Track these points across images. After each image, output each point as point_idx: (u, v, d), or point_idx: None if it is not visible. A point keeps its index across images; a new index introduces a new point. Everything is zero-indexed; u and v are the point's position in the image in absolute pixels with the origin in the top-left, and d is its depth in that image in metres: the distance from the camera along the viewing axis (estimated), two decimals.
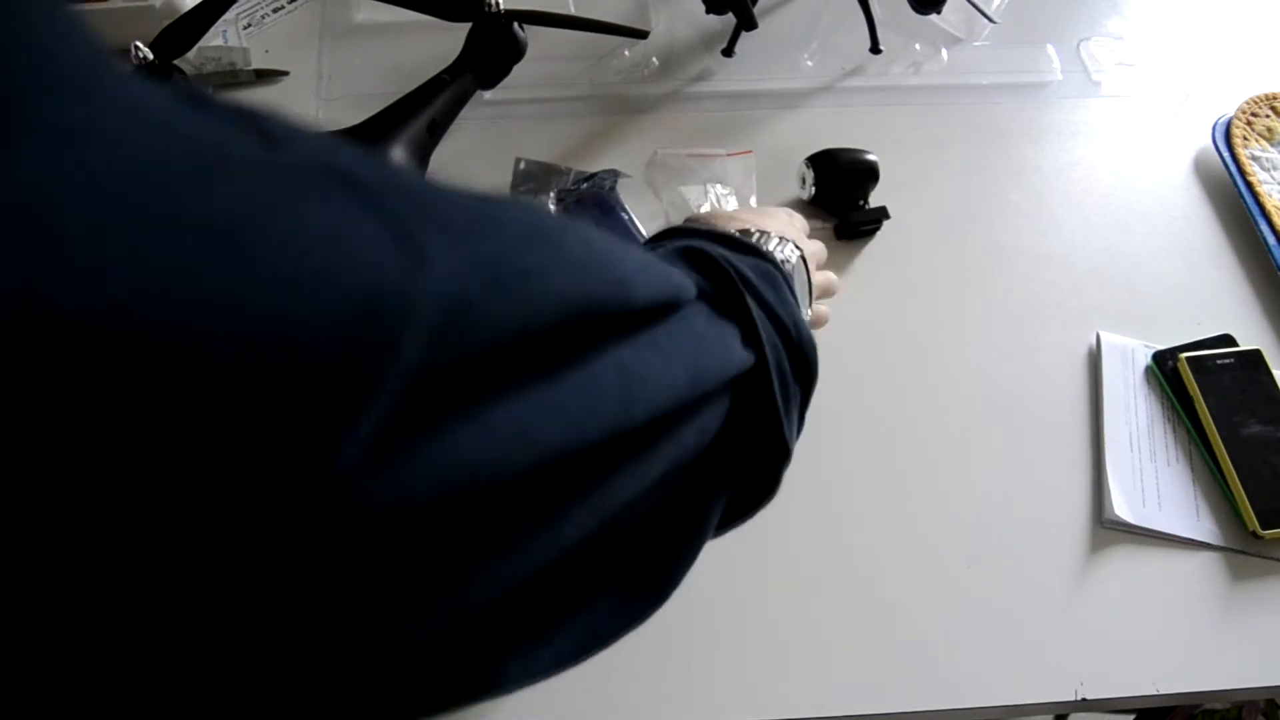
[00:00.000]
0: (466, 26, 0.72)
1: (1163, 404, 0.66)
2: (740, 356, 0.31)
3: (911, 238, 0.74)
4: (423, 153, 0.68)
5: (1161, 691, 0.56)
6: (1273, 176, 0.77)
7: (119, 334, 0.13)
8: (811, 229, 0.74)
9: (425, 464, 0.18)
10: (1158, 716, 0.84)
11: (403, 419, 0.17)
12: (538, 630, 0.24)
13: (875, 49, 0.83)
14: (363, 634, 0.18)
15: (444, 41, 0.73)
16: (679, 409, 0.26)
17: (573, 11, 0.81)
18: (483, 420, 0.19)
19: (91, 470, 0.14)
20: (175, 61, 0.70)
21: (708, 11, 0.80)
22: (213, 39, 0.76)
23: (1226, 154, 0.78)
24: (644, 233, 0.70)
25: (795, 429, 0.35)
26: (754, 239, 0.45)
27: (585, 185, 0.72)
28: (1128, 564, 0.60)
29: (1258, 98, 0.82)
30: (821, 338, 0.69)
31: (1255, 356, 0.67)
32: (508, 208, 0.22)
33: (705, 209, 0.71)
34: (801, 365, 0.36)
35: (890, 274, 0.72)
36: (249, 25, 0.82)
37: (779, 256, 0.44)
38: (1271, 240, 0.73)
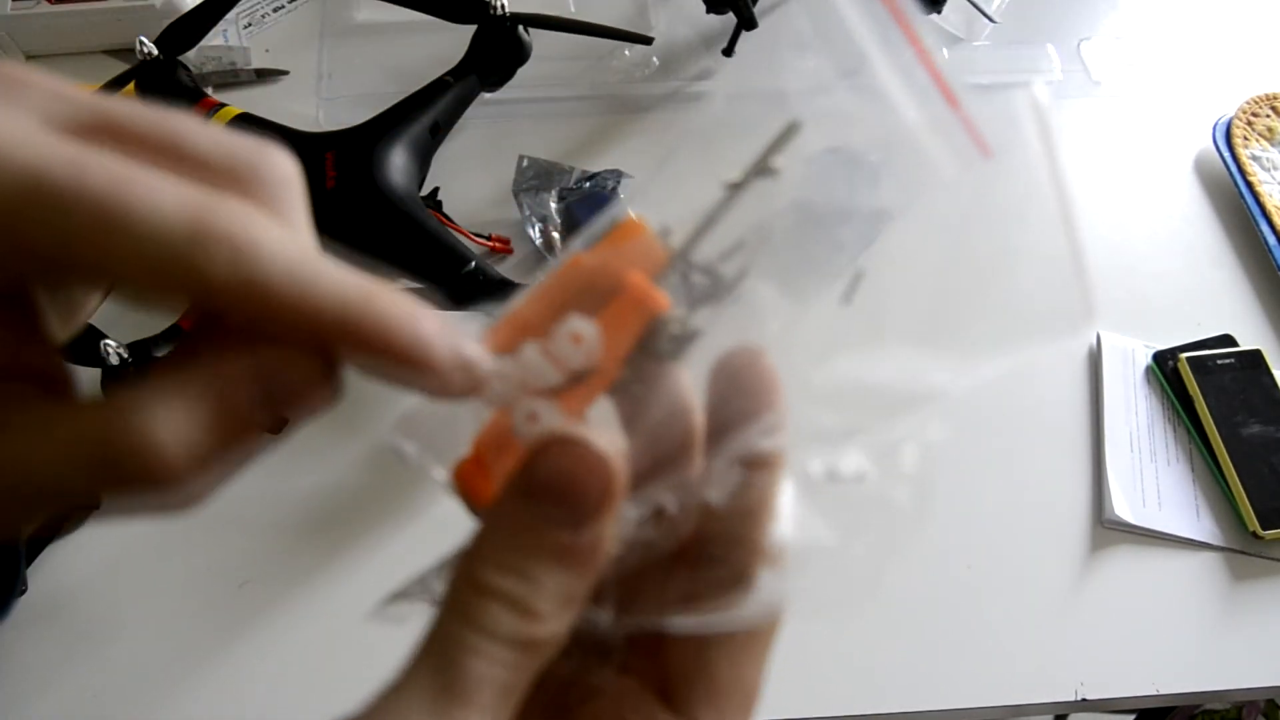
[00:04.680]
0: (469, 27, 0.73)
1: (1163, 404, 0.67)
2: None
3: (911, 238, 0.74)
4: (425, 154, 0.68)
5: (1161, 692, 0.56)
6: (1273, 176, 0.77)
7: None
8: None
9: None
10: (1158, 716, 0.84)
11: None
12: None
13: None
14: None
15: (445, 42, 0.73)
16: None
17: (574, 13, 0.81)
18: None
19: None
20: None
21: (708, 11, 0.80)
22: (213, 38, 0.76)
23: (1226, 154, 0.78)
24: None
25: None
26: None
27: (588, 184, 0.72)
28: (1128, 564, 0.60)
29: (1258, 98, 0.82)
30: (821, 338, 0.69)
31: (1255, 356, 0.67)
32: None
33: None
34: None
35: (890, 274, 0.72)
36: (249, 24, 0.82)
37: None
38: (1271, 240, 0.73)
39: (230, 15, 0.73)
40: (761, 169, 0.21)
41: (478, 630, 0.16)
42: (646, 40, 0.79)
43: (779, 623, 0.20)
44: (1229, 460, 0.62)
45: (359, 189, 0.62)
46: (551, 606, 0.17)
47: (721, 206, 0.21)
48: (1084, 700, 0.55)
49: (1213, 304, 0.73)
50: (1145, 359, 0.68)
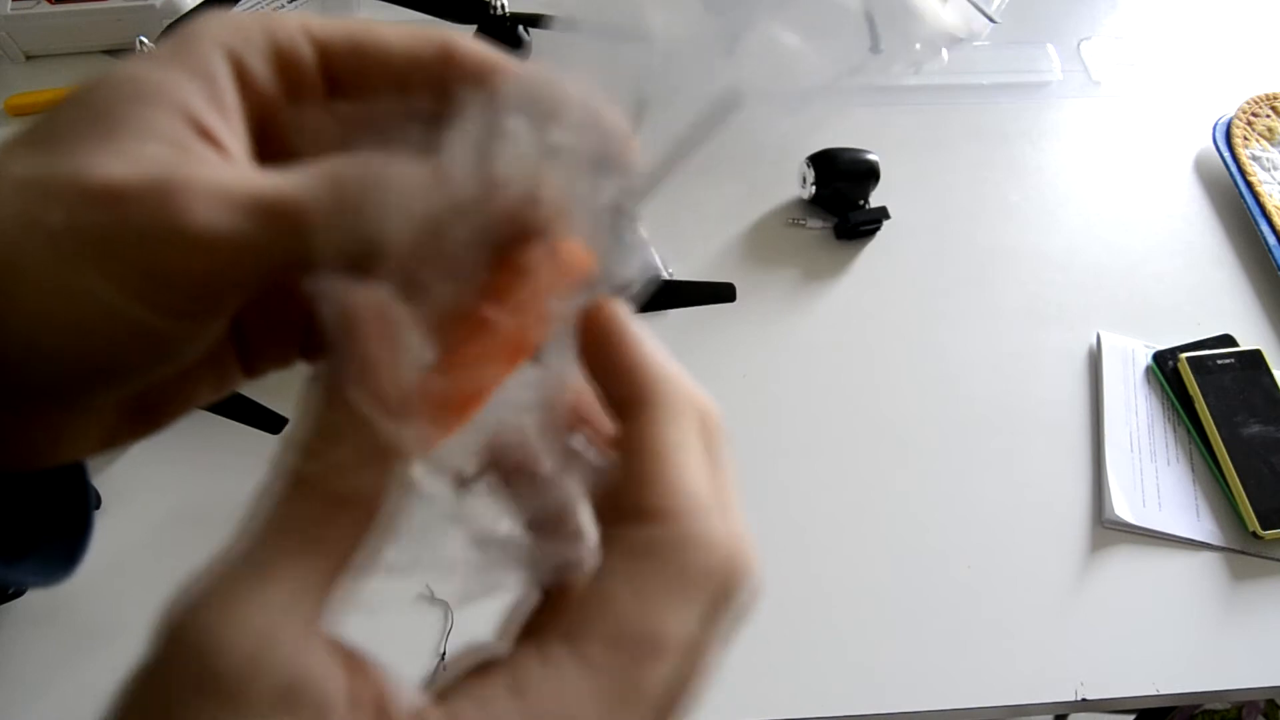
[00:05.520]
0: (469, 27, 0.73)
1: (1163, 404, 0.67)
2: None
3: (911, 238, 0.74)
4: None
5: (1161, 691, 0.56)
6: (1273, 176, 0.77)
7: None
8: (811, 229, 0.74)
9: None
10: (1158, 716, 0.84)
11: None
12: None
13: (875, 48, 0.83)
14: None
15: None
16: None
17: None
18: None
19: None
20: None
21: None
22: None
23: (1227, 154, 0.78)
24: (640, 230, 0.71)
25: None
26: None
27: None
28: (1128, 564, 0.60)
29: (1258, 98, 0.82)
30: (821, 337, 0.69)
31: (1255, 356, 0.67)
32: None
33: None
34: None
35: (890, 274, 0.72)
36: None
37: None
38: (1271, 240, 0.73)
39: None
40: (696, 144, 0.22)
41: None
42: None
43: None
44: (1229, 460, 0.62)
45: None
46: (315, 443, 0.19)
47: (654, 180, 0.22)
48: (1084, 700, 0.55)
49: (1213, 304, 0.73)
50: (1145, 359, 0.68)
